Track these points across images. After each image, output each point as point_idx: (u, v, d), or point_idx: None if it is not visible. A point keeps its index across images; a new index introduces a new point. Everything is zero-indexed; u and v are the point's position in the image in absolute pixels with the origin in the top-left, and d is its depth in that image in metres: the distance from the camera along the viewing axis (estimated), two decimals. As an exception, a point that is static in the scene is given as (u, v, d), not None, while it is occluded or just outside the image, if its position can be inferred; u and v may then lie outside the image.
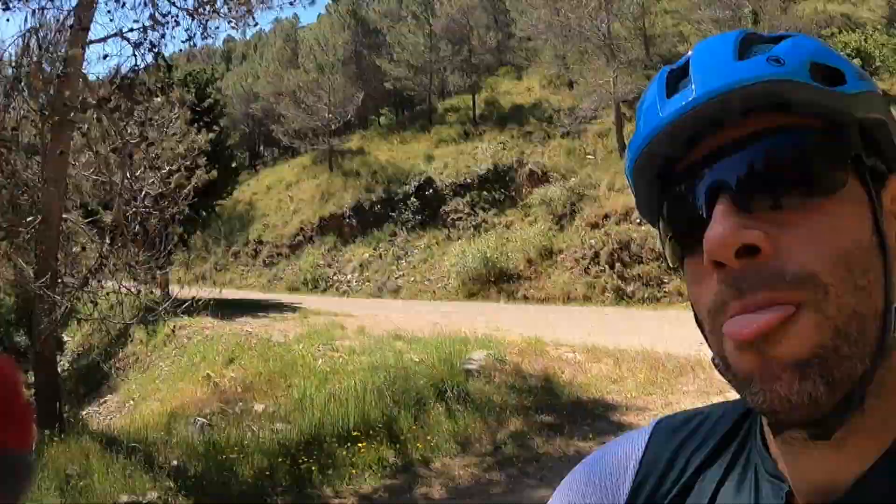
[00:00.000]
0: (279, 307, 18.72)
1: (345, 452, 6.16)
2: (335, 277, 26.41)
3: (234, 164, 26.25)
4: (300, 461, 5.92)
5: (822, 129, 0.63)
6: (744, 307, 0.59)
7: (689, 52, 0.70)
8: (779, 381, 0.58)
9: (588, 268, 20.32)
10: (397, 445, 6.46)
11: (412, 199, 26.69)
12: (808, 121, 0.63)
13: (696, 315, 0.69)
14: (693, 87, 0.64)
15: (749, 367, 0.61)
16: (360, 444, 6.29)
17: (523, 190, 25.24)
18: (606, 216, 21.58)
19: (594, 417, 7.66)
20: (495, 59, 39.15)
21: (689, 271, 0.68)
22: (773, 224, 0.60)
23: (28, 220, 7.88)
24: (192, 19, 8.76)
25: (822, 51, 0.66)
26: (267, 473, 5.72)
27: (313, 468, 5.85)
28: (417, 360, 8.83)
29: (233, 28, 12.18)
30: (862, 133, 0.65)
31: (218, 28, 16.78)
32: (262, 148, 49.84)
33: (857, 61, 22.42)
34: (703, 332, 0.69)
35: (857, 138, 0.64)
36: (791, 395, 0.58)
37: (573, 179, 23.90)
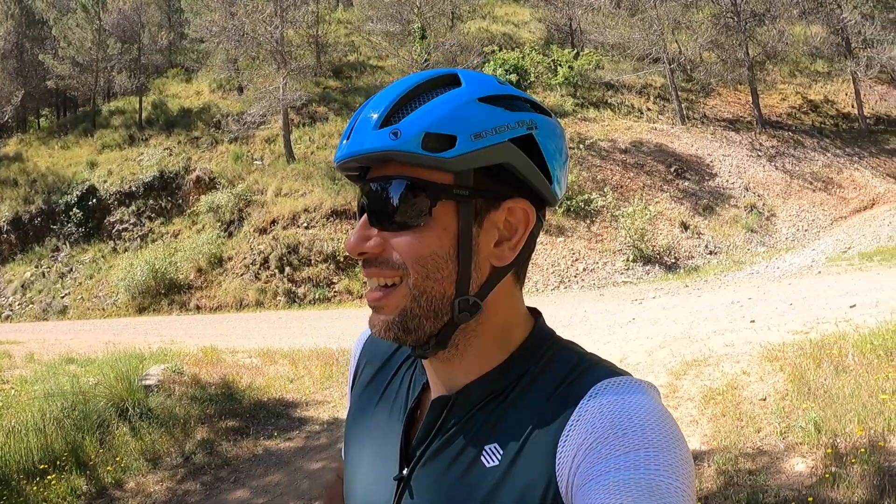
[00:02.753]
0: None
1: (35, 488, 5.85)
2: (-6, 301, 23.49)
3: None
4: (-10, 505, 5.51)
5: (433, 180, 0.89)
6: (367, 274, 0.94)
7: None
8: (377, 328, 0.95)
9: (258, 273, 20.61)
10: (87, 472, 6.24)
11: (75, 209, 24.70)
12: (425, 173, 0.89)
13: None
14: (346, 143, 0.92)
15: (370, 316, 0.97)
16: (49, 478, 5.99)
17: (190, 197, 24.64)
18: (274, 221, 22.00)
19: (276, 416, 8.02)
20: (165, 60, 37.33)
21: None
22: (387, 235, 0.91)
23: None
24: None
25: (440, 121, 0.88)
26: (-46, 524, 5.27)
27: (6, 510, 5.50)
28: (94, 382, 8.50)
29: None
30: (489, 172, 0.91)
31: None
32: None
33: (514, 76, 25.15)
34: None
35: (465, 181, 0.90)
36: (384, 335, 0.94)
37: (241, 185, 23.97)
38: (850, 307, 9.80)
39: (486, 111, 0.90)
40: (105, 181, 25.99)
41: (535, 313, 1.03)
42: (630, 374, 0.91)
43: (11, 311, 22.94)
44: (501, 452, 0.89)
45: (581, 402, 0.86)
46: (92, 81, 33.21)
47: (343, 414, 7.93)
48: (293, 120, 27.06)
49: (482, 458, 0.91)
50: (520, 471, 0.87)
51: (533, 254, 1.00)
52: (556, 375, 0.93)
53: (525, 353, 0.97)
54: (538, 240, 1.00)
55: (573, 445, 0.83)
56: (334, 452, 6.79)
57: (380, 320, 0.94)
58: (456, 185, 0.90)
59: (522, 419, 0.91)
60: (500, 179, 0.92)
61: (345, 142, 0.92)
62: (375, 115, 0.89)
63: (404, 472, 0.98)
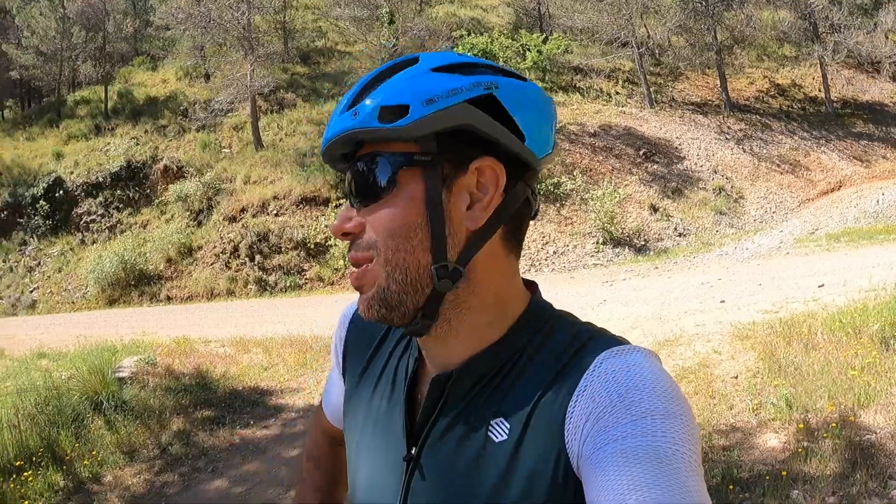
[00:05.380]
0: None
1: (12, 486, 5.77)
2: (-37, 298, 22.85)
3: None
4: (-32, 506, 5.42)
5: (397, 151, 0.91)
6: (350, 258, 0.95)
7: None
8: (362, 307, 0.95)
9: (229, 262, 20.50)
10: (64, 467, 6.18)
11: (41, 202, 24.23)
12: (392, 146, 0.91)
13: None
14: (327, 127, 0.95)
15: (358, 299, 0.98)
16: (26, 474, 5.92)
17: (158, 187, 24.31)
18: (244, 209, 21.84)
19: (252, 404, 7.97)
20: (131, 48, 36.62)
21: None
22: (363, 214, 0.93)
23: None
24: None
25: (394, 94, 0.90)
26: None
27: (-16, 510, 5.41)
28: (67, 376, 8.41)
29: None
30: (453, 136, 0.90)
31: None
32: None
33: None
34: None
35: (428, 148, 0.90)
36: (368, 315, 0.95)
37: (209, 174, 23.72)
38: (819, 287, 9.96)
39: (440, 78, 0.91)
40: (72, 172, 25.45)
41: (531, 287, 1.03)
42: (630, 343, 0.92)
43: (-21, 308, 22.48)
44: (508, 427, 0.90)
45: (586, 372, 0.87)
46: (56, 71, 32.46)
47: (318, 400, 7.93)
48: (261, 107, 26.81)
49: (490, 433, 0.91)
50: (530, 444, 0.88)
51: (527, 224, 1.00)
52: (557, 347, 0.93)
53: (524, 326, 0.96)
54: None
55: (581, 416, 0.84)
56: (312, 439, 6.77)
57: (363, 300, 0.95)
58: (420, 152, 0.90)
59: (527, 392, 0.91)
60: (465, 142, 0.91)
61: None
62: (344, 104, 0.93)
63: (412, 451, 0.98)
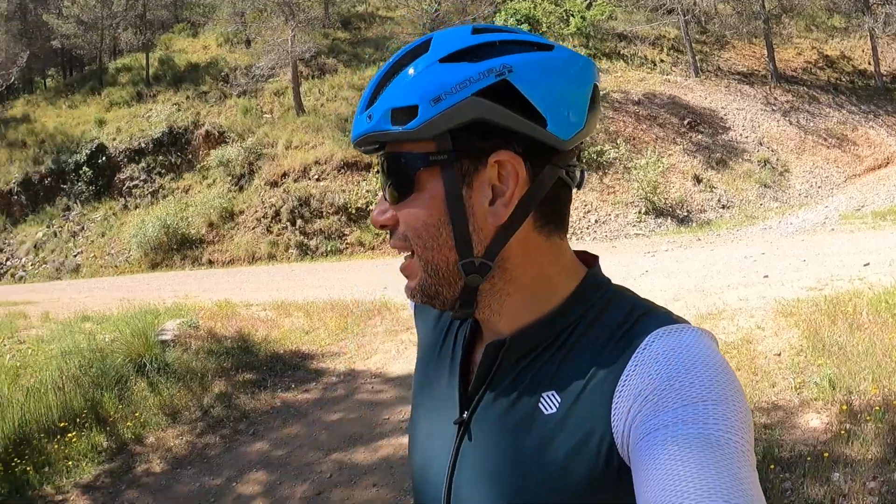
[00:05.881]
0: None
1: (56, 446, 5.92)
2: (8, 263, 23.20)
3: None
4: (13, 465, 5.61)
5: (415, 151, 0.91)
6: (391, 245, 0.99)
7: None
8: (409, 292, 1.00)
9: (270, 226, 20.62)
10: (107, 428, 6.33)
11: (84, 168, 24.42)
12: (409, 146, 0.92)
13: None
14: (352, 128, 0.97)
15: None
16: (70, 435, 6.06)
17: (200, 152, 24.50)
18: (285, 174, 21.89)
19: (293, 368, 8.10)
20: (171, 16, 36.78)
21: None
22: (395, 208, 0.95)
23: None
24: None
25: (402, 94, 0.89)
26: (-19, 485, 5.33)
27: (28, 469, 5.60)
28: (110, 338, 8.58)
29: None
30: (468, 131, 0.89)
31: None
32: None
33: (525, 26, 24.77)
34: None
35: (444, 146, 0.89)
36: (414, 300, 1.00)
37: (251, 139, 23.80)
38: (864, 265, 9.76)
39: (446, 71, 0.88)
40: (114, 139, 25.67)
41: (590, 260, 1.03)
42: (688, 322, 0.89)
43: (25, 271, 22.81)
44: (559, 400, 0.89)
45: (637, 350, 0.85)
46: (97, 39, 32.58)
47: (359, 365, 8.06)
48: (302, 72, 26.79)
49: (540, 405, 0.91)
50: (576, 419, 0.87)
51: (566, 202, 0.98)
52: (611, 323, 0.91)
53: (578, 300, 0.96)
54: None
55: (629, 396, 0.82)
56: (351, 403, 6.88)
57: (408, 287, 1.00)
58: (436, 151, 0.90)
59: (579, 367, 0.90)
60: (481, 135, 0.89)
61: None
62: (362, 103, 0.95)
63: (464, 415, 1.00)
